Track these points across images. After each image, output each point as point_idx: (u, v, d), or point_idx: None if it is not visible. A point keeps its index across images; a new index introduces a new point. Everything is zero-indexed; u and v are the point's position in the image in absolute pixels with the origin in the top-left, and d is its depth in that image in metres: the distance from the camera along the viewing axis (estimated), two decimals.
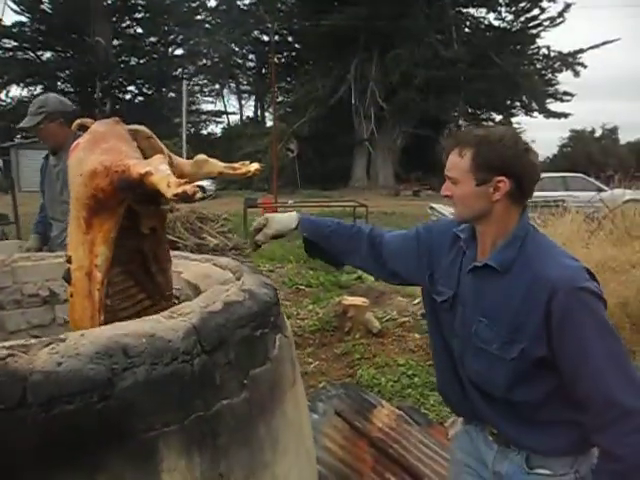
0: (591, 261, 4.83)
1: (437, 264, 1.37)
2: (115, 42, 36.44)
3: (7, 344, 0.90)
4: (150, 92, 38.87)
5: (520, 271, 1.20)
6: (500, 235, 1.25)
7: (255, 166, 1.39)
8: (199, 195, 1.04)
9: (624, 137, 37.39)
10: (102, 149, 1.18)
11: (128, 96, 39.61)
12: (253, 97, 40.66)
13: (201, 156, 1.39)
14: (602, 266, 4.72)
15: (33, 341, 0.93)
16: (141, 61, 37.87)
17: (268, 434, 1.11)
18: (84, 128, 1.34)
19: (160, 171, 1.09)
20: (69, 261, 1.22)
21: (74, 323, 1.26)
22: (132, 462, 0.87)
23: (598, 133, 36.87)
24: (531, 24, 31.41)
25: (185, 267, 1.68)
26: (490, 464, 1.32)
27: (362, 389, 2.88)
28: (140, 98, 39.23)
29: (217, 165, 1.38)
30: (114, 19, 35.20)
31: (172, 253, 1.52)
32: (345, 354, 3.85)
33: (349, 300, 4.41)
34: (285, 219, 1.55)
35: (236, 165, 1.40)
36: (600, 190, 11.99)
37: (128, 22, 36.99)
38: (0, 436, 0.78)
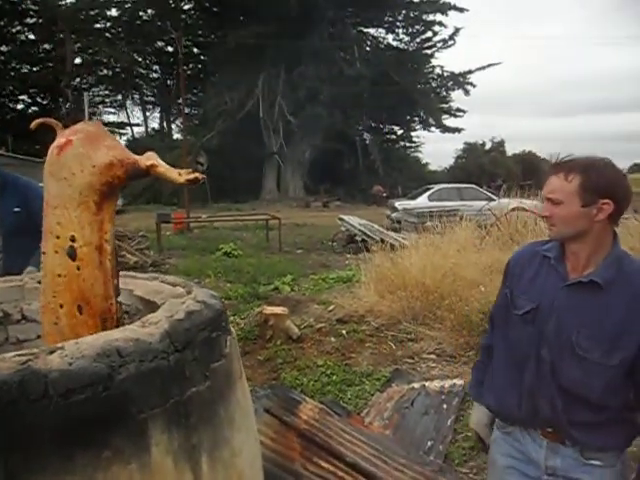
0: (481, 264, 5.51)
1: (517, 282, 1.51)
2: (4, 48, 34.15)
3: (15, 353, 1.12)
4: (45, 102, 36.76)
5: (621, 286, 1.34)
6: (596, 253, 1.38)
7: (188, 176, 1.46)
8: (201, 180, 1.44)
9: (510, 149, 40.66)
10: (106, 146, 1.44)
11: (20, 105, 37.21)
12: (158, 109, 39.74)
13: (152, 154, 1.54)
14: (490, 268, 5.38)
15: (35, 350, 1.15)
16: (34, 69, 35.75)
17: (226, 415, 1.39)
18: (46, 127, 1.50)
19: (163, 164, 1.46)
20: (73, 239, 1.40)
21: (81, 293, 1.42)
22: (129, 439, 1.12)
23: (488, 145, 39.93)
24: (426, 45, 33.72)
25: (135, 285, 1.89)
26: (541, 460, 1.44)
27: (287, 388, 3.18)
28: (34, 108, 36.93)
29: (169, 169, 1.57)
30: (2, 23, 32.98)
31: (120, 273, 1.74)
32: (268, 360, 4.12)
33: (269, 309, 4.68)
34: (477, 415, 1.68)
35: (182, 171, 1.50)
36: (490, 199, 13.19)
37: (19, 27, 34.77)
38: (30, 420, 1.01)
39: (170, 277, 1.93)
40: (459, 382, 3.63)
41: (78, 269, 1.42)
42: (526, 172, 34.38)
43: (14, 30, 34.49)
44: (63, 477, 1.03)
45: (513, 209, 8.59)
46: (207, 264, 8.56)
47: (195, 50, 35.47)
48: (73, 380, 1.05)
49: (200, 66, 36.38)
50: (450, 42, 32.87)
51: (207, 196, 26.75)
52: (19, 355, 1.09)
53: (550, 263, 1.45)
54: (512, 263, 1.58)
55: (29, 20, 34.53)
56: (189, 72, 34.82)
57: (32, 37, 35.29)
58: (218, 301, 1.58)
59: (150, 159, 1.46)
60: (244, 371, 1.69)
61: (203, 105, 32.40)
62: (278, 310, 4.65)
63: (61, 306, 1.42)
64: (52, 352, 1.12)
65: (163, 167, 1.46)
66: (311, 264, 9.35)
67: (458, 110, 34.64)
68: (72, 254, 1.41)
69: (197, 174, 1.43)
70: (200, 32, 34.58)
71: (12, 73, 34.63)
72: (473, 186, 16.10)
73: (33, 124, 1.52)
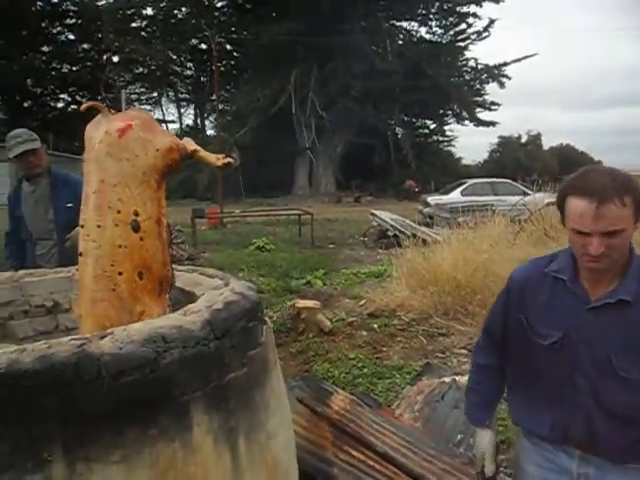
0: (514, 259, 5.46)
1: (532, 308, 1.41)
2: (45, 48, 35.23)
3: (70, 337, 1.22)
4: (84, 100, 37.79)
5: None
6: (620, 269, 1.29)
7: (225, 160, 1.76)
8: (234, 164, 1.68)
9: (547, 142, 39.87)
10: (161, 132, 1.64)
11: (60, 104, 38.36)
12: (192, 105, 40.38)
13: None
14: (524, 263, 5.33)
15: (87, 335, 1.25)
16: (74, 68, 36.79)
17: (262, 400, 1.46)
18: (93, 109, 1.62)
19: (202, 150, 1.71)
20: (136, 214, 1.54)
21: (143, 261, 1.55)
22: (173, 418, 1.20)
23: (524, 139, 39.18)
24: (459, 37, 33.21)
25: (175, 277, 2.00)
26: (573, 469, 1.40)
27: (319, 380, 3.26)
28: (74, 106, 38.02)
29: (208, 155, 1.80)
30: (43, 25, 34.03)
31: None
32: (300, 352, 4.21)
33: (302, 303, 4.76)
34: (482, 443, 1.64)
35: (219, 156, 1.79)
36: (525, 194, 12.95)
37: (59, 28, 35.84)
38: (85, 399, 1.10)
39: (208, 269, 2.02)
40: None
41: (141, 240, 1.55)
42: (563, 165, 33.60)
43: (55, 31, 35.62)
44: (113, 450, 1.12)
45: (548, 204, 8.44)
46: (240, 258, 8.72)
47: (228, 47, 35.83)
48: (123, 363, 1.14)
49: (233, 63, 36.78)
50: (484, 34, 32.39)
51: (240, 191, 27.14)
52: (74, 339, 1.19)
53: (565, 286, 1.35)
54: (520, 284, 1.47)
55: (69, 21, 35.54)
56: (222, 69, 35.25)
57: (72, 37, 36.32)
58: (254, 293, 1.66)
59: (192, 145, 1.69)
60: (278, 359, 1.77)
61: (236, 101, 32.75)
62: (310, 304, 4.72)
63: (120, 273, 1.53)
64: (103, 337, 1.21)
65: (203, 152, 1.71)
66: (343, 259, 9.40)
67: (492, 103, 34.08)
68: (136, 226, 1.54)
69: (230, 159, 1.71)
70: (233, 29, 34.93)
71: (53, 73, 35.77)
72: (507, 180, 15.83)
73: (83, 106, 1.63)
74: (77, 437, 1.09)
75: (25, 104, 35.90)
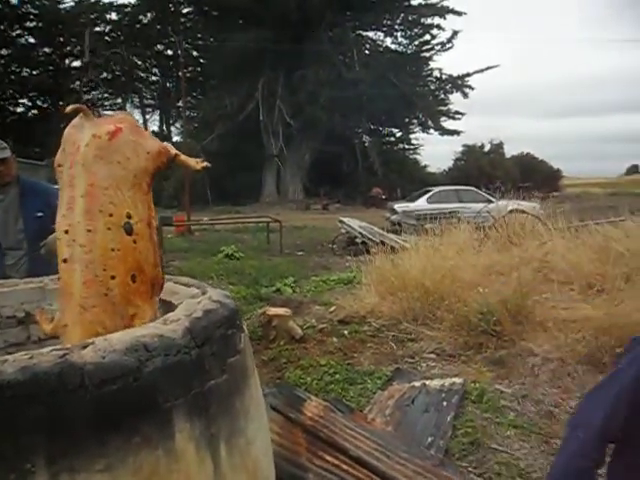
0: (480, 265, 5.63)
1: None
2: (4, 52, 34.25)
3: (52, 348, 1.22)
4: (45, 105, 36.87)
5: None
6: None
7: (203, 164, 1.84)
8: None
9: (509, 151, 40.84)
10: (149, 136, 1.67)
11: (20, 109, 37.29)
12: (158, 112, 39.89)
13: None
14: (489, 269, 5.50)
15: (68, 346, 1.26)
16: (34, 72, 35.86)
17: (241, 406, 1.49)
18: (77, 112, 1.59)
19: (181, 154, 1.77)
20: (129, 216, 1.54)
21: (137, 264, 1.56)
22: (156, 426, 1.22)
23: (487, 148, 40.10)
24: (424, 48, 33.94)
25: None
26: None
27: (292, 387, 3.29)
28: (34, 111, 37.05)
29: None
30: (2, 27, 33.09)
31: None
32: (272, 360, 4.22)
33: (272, 310, 4.77)
34: None
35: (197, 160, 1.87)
36: (489, 202, 13.30)
37: (19, 31, 34.91)
38: (68, 408, 1.10)
39: (182, 278, 2.03)
40: (459, 380, 3.73)
41: (134, 242, 1.56)
42: (524, 173, 34.59)
43: (14, 34, 34.61)
44: (98, 460, 1.13)
45: (511, 211, 8.69)
46: (209, 266, 8.67)
47: (195, 53, 35.63)
48: (106, 372, 1.15)
49: (199, 69, 36.54)
50: (448, 45, 33.20)
51: (207, 199, 26.90)
52: (55, 349, 1.20)
53: None
54: None
55: (29, 24, 34.66)
56: (189, 75, 34.98)
57: (32, 41, 35.42)
58: (232, 300, 1.69)
59: (173, 149, 1.75)
60: (255, 366, 1.79)
61: (203, 108, 32.56)
62: (281, 311, 4.75)
63: (112, 277, 1.52)
64: (85, 347, 1.22)
65: (183, 156, 1.78)
66: (312, 266, 9.45)
67: (457, 112, 34.87)
68: (129, 229, 1.55)
69: (205, 163, 1.82)
70: (199, 35, 34.78)
71: (12, 77, 34.74)
72: (472, 188, 16.22)
73: (68, 109, 1.58)
74: (61, 447, 1.09)
75: None
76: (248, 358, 1.63)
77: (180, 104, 32.85)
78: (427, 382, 3.72)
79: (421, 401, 3.44)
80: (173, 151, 1.73)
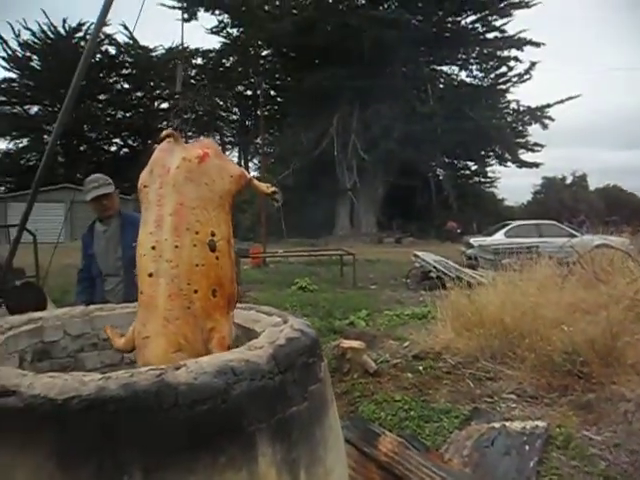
0: (563, 303, 5.35)
1: None
2: (102, 96, 37.41)
3: (149, 368, 1.32)
4: (135, 144, 39.71)
5: None
6: None
7: (273, 189, 2.02)
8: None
9: (593, 183, 38.93)
10: (230, 161, 1.84)
11: (113, 148, 40.38)
12: (237, 148, 41.76)
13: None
14: (573, 307, 5.21)
15: (163, 366, 1.34)
16: (127, 114, 38.85)
17: (321, 435, 1.51)
18: (169, 137, 1.74)
19: (254, 179, 1.94)
20: (213, 234, 1.65)
21: (218, 279, 1.65)
22: (241, 448, 1.26)
23: (569, 180, 38.45)
24: (500, 80, 33.42)
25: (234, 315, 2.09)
26: None
27: (366, 421, 3.25)
28: (125, 150, 39.99)
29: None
30: (101, 75, 36.26)
31: None
32: (346, 393, 4.20)
33: (346, 343, 4.77)
34: None
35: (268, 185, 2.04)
36: (572, 236, 12.69)
37: (115, 78, 38.14)
38: (163, 425, 1.18)
39: (265, 307, 2.11)
40: (542, 424, 3.53)
41: (217, 259, 1.65)
42: (611, 207, 32.70)
43: (111, 80, 37.86)
44: (187, 476, 1.19)
45: (598, 246, 8.24)
46: (284, 298, 8.83)
47: (272, 93, 37.16)
48: (198, 392, 1.22)
49: (276, 107, 38.01)
50: (526, 76, 32.47)
51: (282, 231, 27.55)
52: (152, 369, 1.29)
53: None
54: None
55: (124, 71, 37.82)
56: (266, 113, 36.55)
57: (126, 86, 38.53)
58: (312, 330, 1.73)
59: (248, 174, 1.90)
60: (334, 398, 1.81)
61: (279, 144, 33.69)
62: (355, 344, 4.73)
63: (195, 291, 1.60)
64: (178, 368, 1.31)
65: (256, 181, 1.95)
66: (385, 300, 9.38)
67: (535, 144, 33.74)
68: (213, 246, 1.65)
69: (275, 188, 2.00)
70: (277, 75, 36.34)
71: (108, 119, 37.87)
72: (553, 222, 15.55)
73: (163, 134, 1.76)
74: (155, 462, 1.16)
75: (81, 148, 37.98)
76: (328, 387, 1.66)
77: (258, 141, 34.38)
78: (507, 424, 3.55)
79: (501, 443, 3.29)
80: (248, 176, 1.88)
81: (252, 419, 1.29)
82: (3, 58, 33.95)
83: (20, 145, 36.71)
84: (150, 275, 1.61)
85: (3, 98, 34.17)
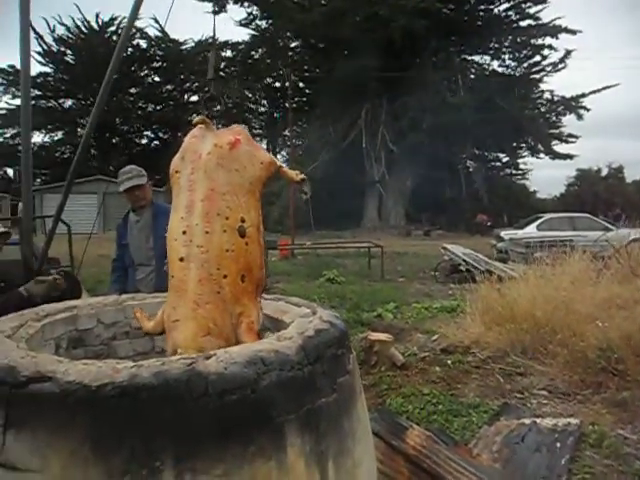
0: (598, 298, 5.22)
1: None
2: (133, 90, 37.99)
3: (179, 357, 1.33)
4: (166, 137, 40.24)
5: None
6: None
7: (302, 176, 1.98)
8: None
9: (630, 175, 37.68)
10: (260, 147, 1.84)
11: (144, 140, 41.01)
12: (265, 140, 41.88)
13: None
14: (608, 303, 5.08)
15: (193, 356, 1.36)
16: (158, 107, 39.37)
17: (349, 427, 1.50)
18: (201, 124, 1.75)
19: (284, 166, 1.93)
20: (243, 220, 1.65)
21: (247, 265, 1.66)
22: (270, 438, 1.27)
23: (604, 172, 37.35)
24: (534, 69, 32.57)
25: (262, 304, 2.10)
26: None
27: (394, 413, 3.24)
28: (156, 142, 40.57)
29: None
30: (133, 68, 36.79)
31: None
32: (373, 385, 4.19)
33: (374, 336, 4.76)
34: None
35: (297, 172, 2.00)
36: (607, 229, 12.35)
37: (146, 71, 38.65)
38: (194, 414, 1.19)
39: (293, 298, 2.11)
40: (574, 421, 3.46)
41: (246, 245, 1.66)
42: None
43: (142, 74, 38.37)
44: (217, 464, 1.20)
45: (634, 240, 8.01)
46: (312, 289, 8.86)
47: (301, 84, 37.08)
48: (228, 382, 1.23)
49: (305, 99, 37.92)
50: (561, 65, 31.54)
51: (310, 224, 27.58)
52: (183, 359, 1.30)
53: None
54: None
55: (155, 64, 38.27)
56: (295, 105, 36.51)
57: (157, 79, 39.02)
58: (341, 322, 1.72)
59: (277, 161, 1.89)
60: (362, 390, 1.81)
61: (308, 136, 33.65)
62: (383, 337, 4.71)
63: (225, 276, 1.61)
64: (209, 358, 1.32)
65: (285, 168, 1.94)
66: (413, 292, 9.31)
67: (570, 135, 32.84)
68: (242, 232, 1.65)
69: (304, 175, 1.96)
70: (306, 67, 36.23)
71: (139, 112, 38.44)
72: (587, 215, 15.16)
73: (195, 120, 1.77)
74: (186, 449, 1.18)
75: (114, 140, 38.69)
76: (356, 379, 1.65)
77: (286, 133, 34.43)
78: (538, 420, 3.49)
79: (532, 440, 3.24)
80: (278, 163, 1.88)
81: (281, 410, 1.30)
82: (39, 53, 34.69)
83: (55, 138, 37.64)
84: (181, 260, 1.63)
85: (39, 92, 34.93)
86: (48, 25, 40.96)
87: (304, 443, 1.34)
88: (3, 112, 34.68)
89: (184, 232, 1.63)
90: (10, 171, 37.10)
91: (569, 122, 32.69)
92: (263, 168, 1.75)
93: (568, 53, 30.92)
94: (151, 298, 2.29)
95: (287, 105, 26.37)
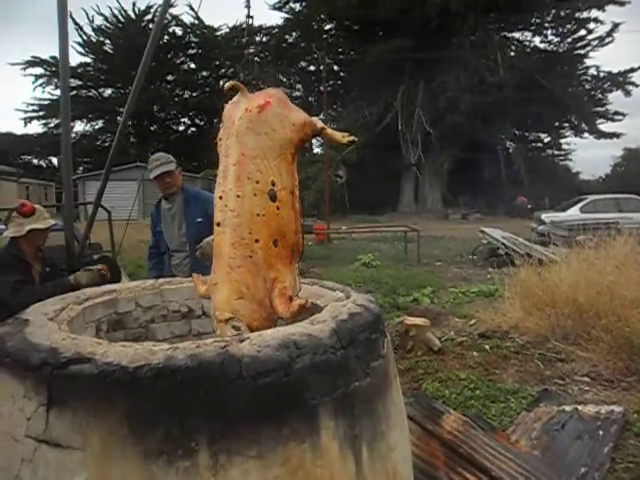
0: None
1: None
2: (170, 77, 38.44)
3: (214, 339, 1.35)
4: (202, 123, 40.67)
5: None
6: None
7: (351, 138, 1.89)
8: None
9: None
10: (295, 109, 1.76)
11: (181, 127, 41.55)
12: None
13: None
14: None
15: (227, 338, 1.37)
16: (194, 94, 39.76)
17: (384, 411, 1.49)
18: (234, 89, 1.75)
19: (328, 128, 1.84)
20: (273, 184, 1.64)
21: (279, 229, 1.64)
22: (303, 421, 1.27)
23: None
24: (578, 45, 31.22)
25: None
26: None
27: (430, 398, 3.21)
28: (193, 129, 41.06)
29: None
30: (169, 56, 37.17)
31: None
32: (409, 369, 4.17)
33: (411, 320, 4.72)
34: None
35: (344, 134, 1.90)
36: None
37: (182, 58, 39.02)
38: (228, 396, 1.20)
39: (328, 282, 2.11)
40: (618, 409, 3.35)
41: (277, 209, 1.65)
42: None
43: (178, 61, 38.76)
44: (251, 446, 1.21)
45: None
46: (347, 274, 8.84)
47: (335, 68, 36.71)
48: (261, 365, 1.24)
49: (340, 82, 37.57)
50: (607, 39, 30.08)
51: (346, 208, 27.49)
52: (217, 341, 1.31)
53: None
54: None
55: (190, 51, 38.56)
56: (329, 89, 36.21)
57: (193, 66, 39.34)
58: (376, 305, 1.71)
59: (320, 123, 1.81)
60: (397, 374, 1.79)
61: (343, 120, 33.35)
62: (419, 321, 4.67)
63: (257, 241, 1.61)
64: (242, 341, 1.32)
65: (330, 130, 1.85)
66: (450, 277, 9.19)
67: (616, 113, 31.41)
68: (273, 196, 1.65)
69: (353, 137, 1.84)
70: (340, 50, 35.80)
71: (176, 99, 38.90)
72: (635, 196, 14.55)
73: (227, 85, 1.77)
74: (221, 430, 1.19)
75: (152, 128, 39.37)
76: (390, 364, 1.64)
77: (321, 116, 34.10)
78: (580, 407, 3.40)
79: (573, 427, 3.16)
80: (319, 125, 1.80)
81: (314, 393, 1.30)
82: (79, 44, 35.48)
83: (96, 127, 38.58)
84: (218, 224, 1.66)
85: (79, 82, 35.79)
86: (87, 16, 41.89)
87: (338, 426, 1.34)
88: (46, 102, 35.73)
89: (220, 197, 1.66)
90: (55, 160, 38.27)
91: (616, 99, 31.47)
92: (294, 130, 1.71)
93: (615, 26, 29.43)
94: (188, 282, 2.33)
95: (322, 89, 26.13)
